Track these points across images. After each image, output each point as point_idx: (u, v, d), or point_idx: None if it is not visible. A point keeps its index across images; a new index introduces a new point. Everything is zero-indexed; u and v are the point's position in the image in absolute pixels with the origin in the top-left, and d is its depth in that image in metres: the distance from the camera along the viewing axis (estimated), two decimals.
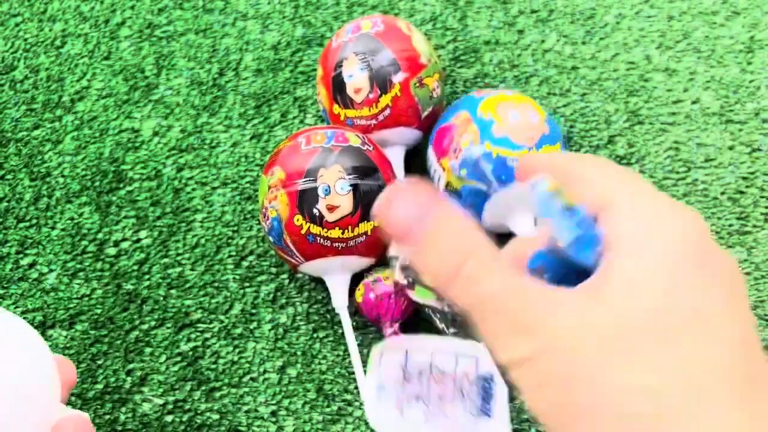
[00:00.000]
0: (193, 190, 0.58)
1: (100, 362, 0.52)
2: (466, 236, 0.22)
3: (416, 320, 0.50)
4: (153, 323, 0.53)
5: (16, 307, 0.54)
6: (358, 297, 0.50)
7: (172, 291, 0.54)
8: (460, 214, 0.22)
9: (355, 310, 0.52)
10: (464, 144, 0.49)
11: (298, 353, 0.52)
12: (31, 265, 0.56)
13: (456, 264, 0.21)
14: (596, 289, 0.21)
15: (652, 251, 0.21)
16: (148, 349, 0.52)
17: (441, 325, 0.25)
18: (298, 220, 0.47)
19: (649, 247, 0.21)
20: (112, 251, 0.56)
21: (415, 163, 0.57)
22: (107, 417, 0.49)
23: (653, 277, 0.20)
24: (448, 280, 0.21)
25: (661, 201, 0.23)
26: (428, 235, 0.21)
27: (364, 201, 0.47)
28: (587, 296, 0.21)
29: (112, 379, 0.51)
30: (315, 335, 0.52)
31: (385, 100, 0.52)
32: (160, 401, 0.50)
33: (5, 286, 0.55)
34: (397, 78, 0.52)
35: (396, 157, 0.55)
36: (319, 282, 0.54)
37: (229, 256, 0.55)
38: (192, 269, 0.55)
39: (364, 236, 0.48)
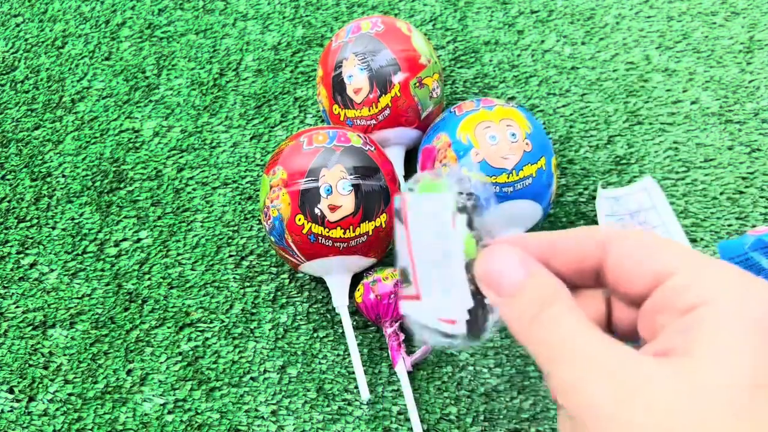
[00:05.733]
0: (194, 190, 0.58)
1: (100, 362, 0.52)
2: (552, 286, 0.23)
3: None
4: (153, 323, 0.53)
5: (17, 307, 0.54)
6: (358, 298, 0.50)
7: (173, 291, 0.54)
8: (546, 271, 0.24)
9: (355, 309, 0.52)
10: (445, 170, 0.49)
11: (299, 353, 0.52)
12: (32, 265, 0.55)
13: (541, 305, 0.23)
14: (687, 370, 0.20)
15: (739, 332, 0.20)
16: (148, 349, 0.52)
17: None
18: (299, 219, 0.47)
19: (734, 327, 0.20)
20: (112, 251, 0.56)
21: (415, 162, 0.57)
22: (107, 417, 0.50)
23: (744, 360, 0.19)
24: (532, 320, 0.23)
25: (732, 273, 0.22)
26: (520, 285, 0.24)
27: (365, 201, 0.47)
28: (677, 375, 0.20)
29: (113, 379, 0.51)
30: (315, 335, 0.52)
31: (385, 100, 0.52)
32: (161, 401, 0.50)
33: (6, 285, 0.55)
34: (397, 78, 0.52)
35: (396, 157, 0.55)
36: (319, 282, 0.54)
37: (230, 256, 0.55)
38: (192, 269, 0.55)
39: (365, 236, 0.48)
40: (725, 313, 0.20)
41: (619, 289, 0.24)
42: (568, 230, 0.25)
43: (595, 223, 0.55)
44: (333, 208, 0.47)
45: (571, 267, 0.25)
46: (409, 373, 0.50)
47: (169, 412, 0.50)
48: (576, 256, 0.25)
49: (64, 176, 0.59)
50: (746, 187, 0.57)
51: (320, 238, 0.47)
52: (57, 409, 0.50)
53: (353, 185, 0.47)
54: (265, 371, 0.51)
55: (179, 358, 0.52)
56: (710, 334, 0.20)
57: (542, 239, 0.25)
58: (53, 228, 0.57)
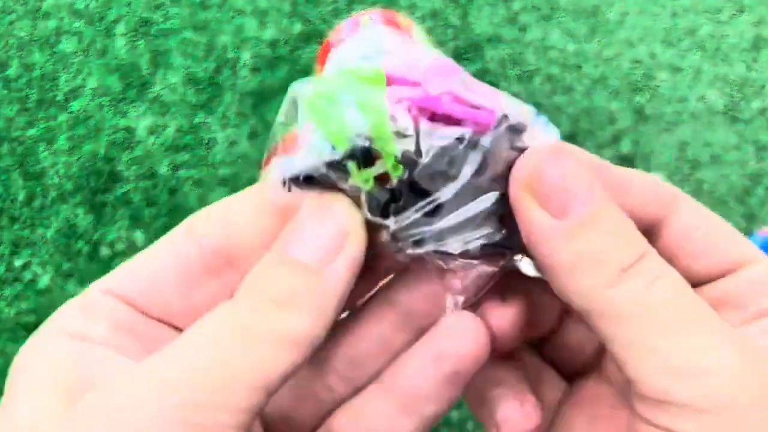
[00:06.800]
0: (190, 189, 0.58)
1: None
2: (635, 232, 0.17)
3: None
4: None
5: (10, 308, 0.53)
6: None
7: None
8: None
9: None
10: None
11: None
12: (25, 266, 0.55)
13: (632, 254, 0.16)
14: None
15: None
16: None
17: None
18: None
19: None
20: (106, 252, 0.55)
21: None
22: None
23: None
24: (618, 273, 0.16)
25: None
26: (601, 209, 0.16)
27: None
28: None
29: None
30: None
31: None
32: None
33: None
34: None
35: None
36: None
37: None
38: None
39: None
40: None
41: (678, 260, 0.18)
42: (635, 170, 0.19)
43: None
44: None
45: (636, 214, 0.18)
46: None
47: None
48: (643, 202, 0.18)
49: (58, 176, 0.59)
50: (754, 186, 0.57)
51: None
52: None
53: None
54: None
55: None
56: None
57: (616, 169, 0.18)
58: (47, 228, 0.56)
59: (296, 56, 0.64)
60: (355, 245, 0.17)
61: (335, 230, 0.17)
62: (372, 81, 0.17)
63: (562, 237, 0.16)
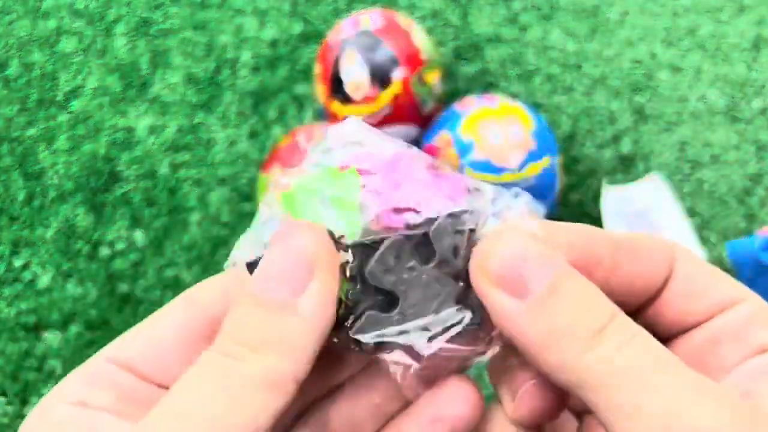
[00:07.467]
0: (190, 189, 0.58)
1: None
2: (600, 295, 0.16)
3: None
4: None
5: (10, 308, 0.53)
6: None
7: (168, 292, 0.53)
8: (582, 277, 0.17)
9: None
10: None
11: None
12: (25, 266, 0.55)
13: (601, 318, 0.16)
14: None
15: None
16: None
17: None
18: None
19: None
20: (106, 252, 0.55)
21: None
22: None
23: None
24: (590, 339, 0.16)
25: None
26: (560, 279, 0.16)
27: None
28: None
29: None
30: None
31: (385, 96, 0.51)
32: None
33: None
34: (397, 74, 0.51)
35: None
36: None
37: (226, 257, 0.54)
38: (188, 270, 0.54)
39: None
40: None
41: (673, 318, 0.19)
42: (630, 233, 0.18)
43: (600, 224, 0.54)
44: None
45: (636, 285, 0.18)
46: None
47: None
48: (646, 270, 0.18)
49: (57, 175, 0.59)
50: (754, 186, 0.57)
51: None
52: None
53: None
54: None
55: None
56: None
57: (594, 235, 0.18)
58: (47, 228, 0.56)
59: (296, 56, 0.63)
60: (325, 270, 0.16)
61: (300, 258, 0.16)
62: (346, 178, 0.18)
63: (527, 317, 0.16)
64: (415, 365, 0.18)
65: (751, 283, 0.43)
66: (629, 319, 0.16)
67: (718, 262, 0.54)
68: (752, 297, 0.18)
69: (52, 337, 0.52)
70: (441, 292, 0.17)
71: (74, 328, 0.52)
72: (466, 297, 0.17)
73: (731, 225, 0.55)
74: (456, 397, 0.18)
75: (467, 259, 0.17)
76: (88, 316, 0.53)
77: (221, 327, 0.17)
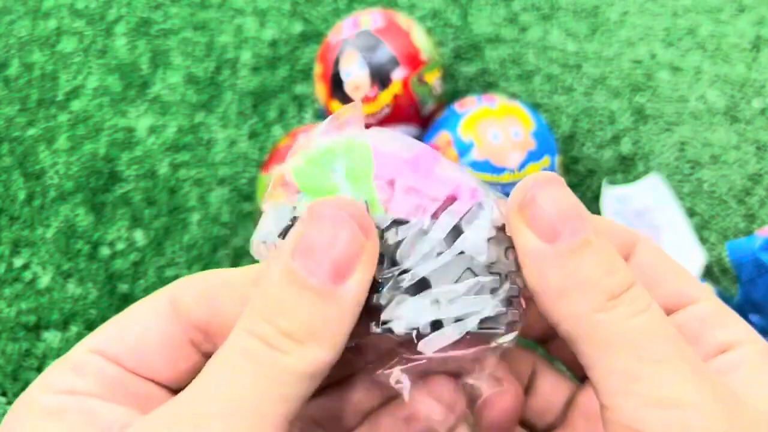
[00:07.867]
0: (190, 189, 0.58)
1: None
2: (624, 264, 0.17)
3: None
4: None
5: (10, 308, 0.53)
6: None
7: None
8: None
9: None
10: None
11: None
12: (25, 266, 0.55)
13: (621, 284, 0.16)
14: None
15: None
16: None
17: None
18: None
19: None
20: (106, 252, 0.55)
21: None
22: None
23: None
24: (606, 300, 0.16)
25: None
26: (592, 238, 0.17)
27: None
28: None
29: None
30: None
31: (385, 97, 0.51)
32: None
33: None
34: (397, 75, 0.51)
35: None
36: None
37: (226, 257, 0.55)
38: (188, 270, 0.54)
39: None
40: (758, 354, 0.18)
41: None
42: (595, 216, 0.19)
43: None
44: None
45: None
46: None
47: None
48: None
49: (58, 175, 0.59)
50: (753, 186, 0.57)
51: None
52: None
53: None
54: None
55: None
56: (753, 379, 0.17)
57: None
58: (47, 227, 0.56)
59: (296, 56, 0.63)
60: (370, 258, 0.16)
61: (351, 245, 0.16)
62: (360, 150, 0.17)
63: (553, 260, 0.16)
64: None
65: (751, 283, 0.43)
66: (646, 292, 0.17)
67: (718, 262, 0.54)
68: (708, 296, 0.19)
69: (52, 337, 0.52)
70: (472, 280, 0.17)
71: (74, 328, 0.52)
72: (498, 288, 0.17)
73: (731, 225, 0.55)
74: (434, 397, 0.19)
75: (497, 251, 0.17)
76: (88, 316, 0.53)
77: (255, 300, 0.16)
